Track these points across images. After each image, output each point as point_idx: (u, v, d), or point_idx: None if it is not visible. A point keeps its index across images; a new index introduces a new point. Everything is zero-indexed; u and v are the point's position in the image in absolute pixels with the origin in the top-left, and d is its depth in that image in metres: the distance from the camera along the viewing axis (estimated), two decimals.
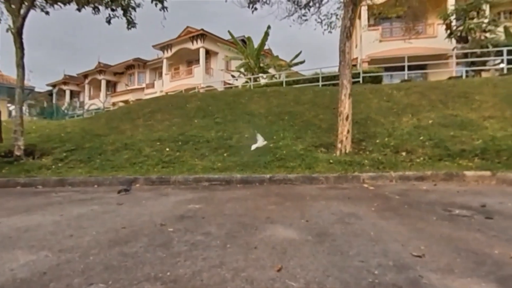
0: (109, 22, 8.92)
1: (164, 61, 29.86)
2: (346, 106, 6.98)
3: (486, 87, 9.45)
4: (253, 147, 6.75)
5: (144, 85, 33.74)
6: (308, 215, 3.09)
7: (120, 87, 37.05)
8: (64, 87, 40.12)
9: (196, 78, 26.22)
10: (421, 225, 2.67)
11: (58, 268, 1.79)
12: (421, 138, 7.33)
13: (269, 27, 18.32)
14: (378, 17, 18.51)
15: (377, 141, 7.51)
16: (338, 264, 1.79)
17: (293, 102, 9.91)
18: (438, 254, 1.93)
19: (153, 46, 30.16)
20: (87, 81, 37.93)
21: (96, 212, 3.44)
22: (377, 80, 13.57)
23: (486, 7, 15.13)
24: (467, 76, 13.97)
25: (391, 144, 7.24)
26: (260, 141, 6.75)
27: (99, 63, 36.36)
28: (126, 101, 31.79)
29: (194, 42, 27.16)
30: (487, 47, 13.67)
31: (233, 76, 22.73)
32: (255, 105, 10.21)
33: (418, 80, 15.78)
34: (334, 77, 13.72)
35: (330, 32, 11.55)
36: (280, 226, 2.68)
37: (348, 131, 6.93)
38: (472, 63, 13.94)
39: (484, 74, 14.30)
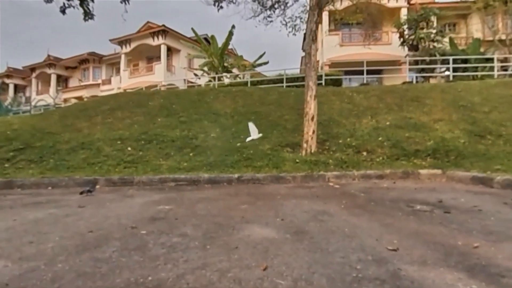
0: (63, 12, 8.30)
1: (122, 56, 28.51)
2: (311, 107, 7.18)
3: (435, 92, 10.24)
4: (248, 139, 6.78)
5: (100, 81, 31.92)
6: (282, 213, 3.13)
7: (72, 83, 34.69)
8: (7, 81, 36.68)
9: (157, 75, 25.38)
10: (389, 220, 2.82)
11: (23, 278, 1.62)
12: (380, 138, 7.75)
13: (233, 26, 18.31)
14: (338, 22, 19.32)
15: (340, 141, 7.81)
16: (320, 261, 1.82)
17: (259, 103, 9.98)
18: (410, 247, 2.05)
19: (111, 40, 28.66)
20: (34, 74, 35.03)
21: (56, 215, 3.18)
22: (338, 83, 14.13)
23: (434, 19, 16.41)
24: (417, 81, 15.05)
25: (353, 144, 7.57)
26: (255, 133, 6.76)
27: (48, 56, 33.75)
28: (79, 98, 29.89)
29: (155, 38, 26.27)
30: (435, 55, 14.84)
31: (195, 75, 22.34)
32: (220, 104, 10.12)
33: (374, 84, 16.69)
34: (298, 78, 14.07)
35: (294, 34, 11.85)
36: (257, 225, 2.68)
37: (313, 132, 7.13)
38: (422, 70, 15.04)
39: (432, 80, 15.52)
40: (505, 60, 15.30)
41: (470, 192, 4.46)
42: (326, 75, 14.27)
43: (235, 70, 19.47)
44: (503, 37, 16.22)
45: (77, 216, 3.15)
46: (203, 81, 20.76)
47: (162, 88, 18.16)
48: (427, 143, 7.42)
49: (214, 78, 17.30)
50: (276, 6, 10.21)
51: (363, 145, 7.54)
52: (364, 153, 7.25)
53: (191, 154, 7.25)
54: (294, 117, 9.09)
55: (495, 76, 13.07)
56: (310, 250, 2.01)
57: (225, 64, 18.70)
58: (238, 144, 7.62)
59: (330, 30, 18.74)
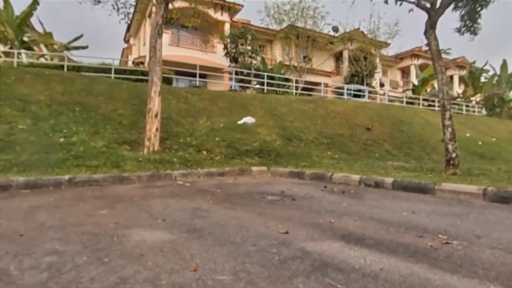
0: None
1: None
2: (155, 104, 6.88)
3: (256, 101, 12.01)
4: (241, 121, 5.56)
5: None
6: (157, 214, 2.92)
7: None
8: None
9: None
10: (260, 210, 3.19)
11: None
12: (217, 139, 8.36)
13: None
14: (169, 21, 19.18)
15: (181, 140, 7.87)
16: (238, 252, 1.89)
17: (84, 92, 8.56)
18: (293, 229, 2.43)
19: None
20: None
21: None
22: (168, 81, 14.03)
23: (250, 38, 19.10)
24: (235, 90, 17.08)
25: (193, 144, 7.80)
26: (248, 118, 5.65)
27: None
28: None
29: None
30: (251, 70, 17.32)
31: None
32: (28, 88, 7.98)
33: (198, 87, 17.63)
34: (125, 71, 13.01)
35: (126, 22, 10.96)
36: (141, 229, 2.40)
37: (157, 129, 6.86)
38: (241, 80, 17.20)
39: (248, 91, 18.01)
40: (297, 81, 19.73)
41: (295, 183, 5.58)
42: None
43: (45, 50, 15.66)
44: (295, 64, 20.96)
45: None
46: None
47: None
48: (254, 144, 8.63)
49: (6, 53, 13.33)
50: None
51: (202, 144, 7.91)
52: (204, 152, 7.63)
53: None
54: (129, 112, 8.39)
55: (294, 93, 16.74)
56: (220, 244, 2.03)
57: (25, 39, 14.74)
58: (61, 140, 6.31)
59: None
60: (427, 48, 6.62)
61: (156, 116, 6.85)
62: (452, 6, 6.93)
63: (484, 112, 23.34)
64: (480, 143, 13.33)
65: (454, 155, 6.14)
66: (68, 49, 14.92)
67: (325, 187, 5.12)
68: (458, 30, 7.75)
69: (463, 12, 7.58)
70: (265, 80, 15.80)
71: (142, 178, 5.56)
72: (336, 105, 13.86)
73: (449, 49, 7.39)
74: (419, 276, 1.55)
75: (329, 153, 9.25)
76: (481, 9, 7.37)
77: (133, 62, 18.06)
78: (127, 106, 8.60)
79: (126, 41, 26.41)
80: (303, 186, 5.17)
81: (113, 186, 4.97)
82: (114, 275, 1.51)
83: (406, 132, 12.37)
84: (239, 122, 7.80)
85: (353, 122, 12.01)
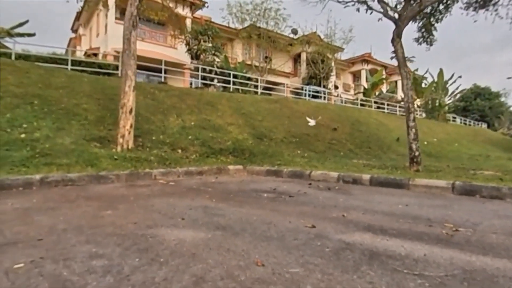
0: None
1: None
2: (130, 99, 6.53)
3: (223, 99, 11.94)
4: (311, 123, 5.28)
5: None
6: (170, 213, 2.82)
7: None
8: None
9: None
10: (268, 206, 3.24)
11: None
12: (190, 137, 8.19)
13: None
14: (123, 12, 18.17)
15: (153, 138, 7.57)
16: (286, 246, 1.93)
17: (42, 84, 7.79)
18: (317, 223, 2.52)
19: None
20: None
21: None
22: None
23: (211, 36, 18.86)
24: (200, 87, 16.78)
25: (167, 142, 7.55)
26: (312, 120, 5.28)
27: None
28: None
29: None
30: (213, 67, 17.12)
31: None
32: None
33: (163, 83, 16.97)
34: (80, 62, 12.07)
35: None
36: (167, 228, 2.31)
37: (131, 126, 6.52)
38: (204, 78, 16.93)
39: (210, 88, 17.78)
40: (257, 80, 19.94)
41: (277, 181, 5.70)
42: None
43: None
44: (257, 63, 21.18)
45: None
46: None
47: None
48: (227, 143, 8.60)
49: None
50: None
51: (176, 143, 7.69)
52: (179, 151, 7.43)
53: None
54: (94, 107, 7.84)
55: (259, 93, 16.93)
56: (262, 240, 2.05)
57: None
58: (22, 136, 5.70)
59: (117, 18, 17.28)
60: (394, 55, 7.19)
61: (130, 112, 6.50)
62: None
63: (424, 115, 25.81)
64: (425, 143, 14.73)
65: (417, 153, 6.76)
66: (11, 35, 13.36)
67: (310, 184, 5.32)
68: (417, 40, 8.52)
69: (420, 24, 8.34)
70: (231, 79, 15.76)
71: (120, 177, 5.27)
72: (299, 105, 14.33)
73: (413, 57, 8.10)
74: (460, 259, 1.74)
75: (298, 151, 9.56)
76: (436, 22, 8.17)
77: (85, 54, 16.78)
78: (92, 101, 8.02)
79: (74, 31, 24.43)
80: (288, 184, 5.31)
81: (92, 186, 4.65)
82: (184, 274, 1.47)
83: (364, 132, 13.24)
84: (310, 124, 8.08)
85: (317, 122, 12.53)
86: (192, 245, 1.92)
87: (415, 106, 26.73)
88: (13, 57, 9.85)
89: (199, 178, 5.90)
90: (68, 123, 6.76)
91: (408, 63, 7.82)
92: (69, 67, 10.53)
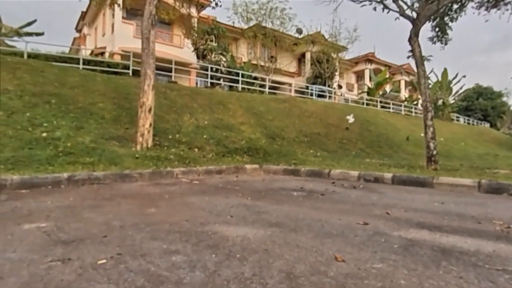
0: None
1: None
2: (149, 98, 6.53)
3: (233, 99, 11.94)
4: (350, 120, 5.33)
5: None
6: (214, 211, 2.82)
7: None
8: None
9: None
10: (307, 204, 3.24)
11: None
12: (205, 136, 8.19)
13: None
14: (129, 12, 18.18)
15: (170, 137, 7.57)
16: (350, 242, 1.93)
17: (58, 83, 7.79)
18: (367, 221, 2.53)
19: None
20: None
21: None
22: (137, 74, 13.30)
23: (217, 35, 18.86)
24: (206, 87, 16.76)
25: (183, 141, 7.55)
26: (351, 118, 5.32)
27: None
28: None
29: None
30: (220, 67, 17.12)
31: None
32: None
33: (174, 83, 16.96)
34: (89, 62, 12.06)
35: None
36: (223, 226, 2.31)
37: (150, 124, 6.53)
38: (211, 77, 16.92)
39: (217, 88, 17.77)
40: (263, 80, 19.94)
41: (299, 180, 5.70)
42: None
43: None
44: (262, 63, 21.17)
45: None
46: None
47: None
48: (241, 142, 8.61)
49: None
50: None
51: (192, 142, 7.69)
52: (196, 150, 7.43)
53: None
54: (110, 106, 7.84)
55: (267, 93, 16.93)
56: (324, 236, 2.05)
57: None
58: (44, 134, 5.71)
59: (123, 18, 17.27)
60: (411, 54, 7.21)
61: (149, 111, 6.51)
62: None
63: None
64: None
65: (435, 152, 6.76)
66: (19, 35, 13.33)
67: (333, 182, 5.33)
68: (431, 40, 8.52)
69: (433, 23, 8.35)
70: (240, 78, 15.76)
71: (144, 175, 5.28)
72: (308, 104, 14.34)
73: (430, 55, 8.11)
74: None
75: (311, 151, 9.57)
76: (451, 21, 8.17)
77: (91, 53, 16.77)
78: (107, 100, 8.02)
79: (78, 30, 24.40)
80: (311, 183, 5.31)
81: (118, 184, 4.66)
82: (271, 270, 1.47)
83: (373, 131, 13.25)
84: (349, 122, 8.16)
85: (327, 122, 12.54)
86: (258, 241, 1.92)
87: (419, 105, 26.78)
88: (25, 56, 9.83)
89: (220, 177, 5.90)
90: (86, 122, 6.76)
91: (425, 62, 7.82)
92: (81, 66, 10.52)
